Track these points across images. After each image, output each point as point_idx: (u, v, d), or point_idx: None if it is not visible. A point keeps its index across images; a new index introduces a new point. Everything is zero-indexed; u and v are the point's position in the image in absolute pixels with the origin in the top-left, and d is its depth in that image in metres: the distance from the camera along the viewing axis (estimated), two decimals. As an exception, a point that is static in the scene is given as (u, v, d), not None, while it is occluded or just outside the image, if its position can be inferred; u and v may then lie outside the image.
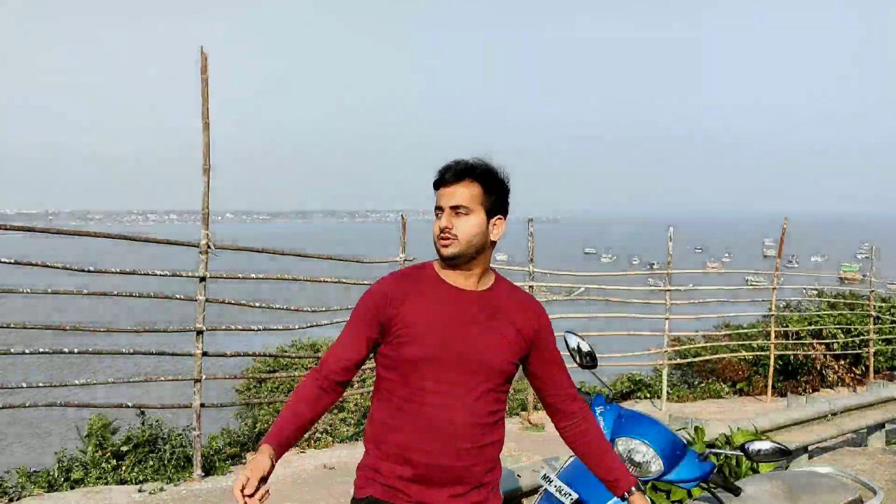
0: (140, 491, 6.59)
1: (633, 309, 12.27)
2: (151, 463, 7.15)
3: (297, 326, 7.96)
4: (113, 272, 6.56)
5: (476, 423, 2.33)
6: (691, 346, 13.53)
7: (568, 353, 2.95)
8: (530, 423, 9.77)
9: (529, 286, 10.06)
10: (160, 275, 6.94)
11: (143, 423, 7.52)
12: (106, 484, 6.90)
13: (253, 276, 7.52)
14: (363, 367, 2.80)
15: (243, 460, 8.41)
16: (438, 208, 2.39)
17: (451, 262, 2.37)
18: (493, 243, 2.43)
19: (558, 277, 11.74)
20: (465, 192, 2.35)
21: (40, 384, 6.28)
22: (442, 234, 2.35)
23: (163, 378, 7.17)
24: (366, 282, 8.74)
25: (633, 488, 2.43)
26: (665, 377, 11.88)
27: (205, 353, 7.14)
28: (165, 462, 7.20)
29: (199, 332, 7.04)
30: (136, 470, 7.07)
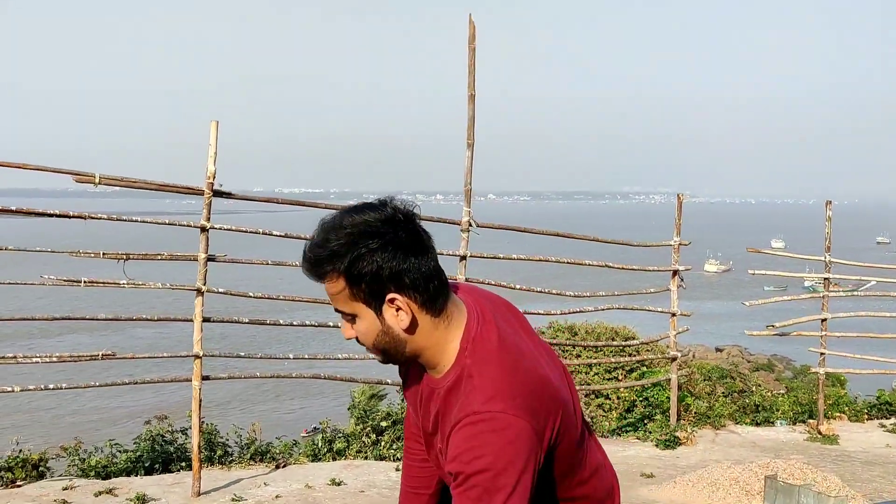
0: (397, 470, 6.49)
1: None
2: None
3: (558, 311, 7.51)
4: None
5: None
6: None
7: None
8: (819, 433, 8.56)
9: (824, 279, 8.79)
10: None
11: (402, 401, 7.47)
12: (365, 458, 6.92)
13: (514, 256, 7.16)
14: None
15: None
16: None
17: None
18: (411, 327, 1.69)
19: (854, 269, 10.24)
20: (333, 293, 1.68)
21: (305, 356, 6.38)
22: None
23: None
24: (635, 267, 8.07)
25: None
26: None
27: (464, 335, 6.90)
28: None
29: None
30: (394, 447, 7.03)
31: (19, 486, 5.64)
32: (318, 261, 1.65)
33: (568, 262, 7.42)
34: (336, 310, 1.72)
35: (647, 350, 9.97)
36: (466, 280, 6.79)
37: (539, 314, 7.46)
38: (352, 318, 1.70)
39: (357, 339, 1.73)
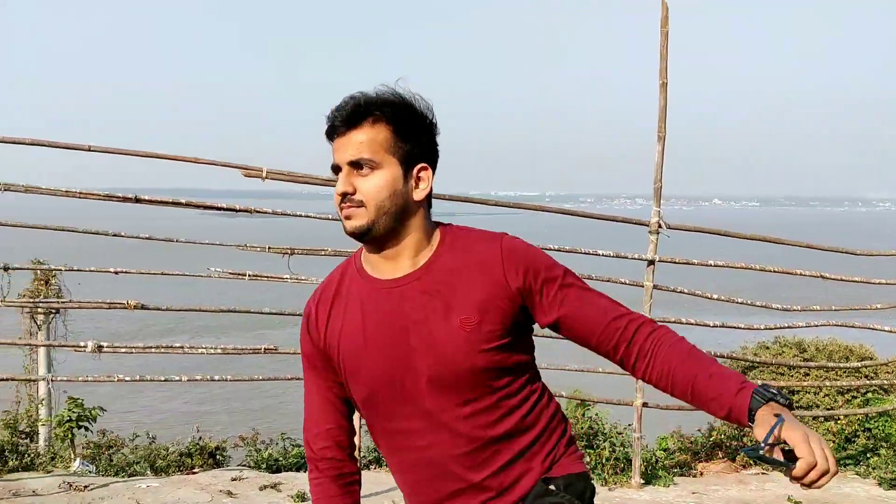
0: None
1: None
2: (588, 459, 6.59)
3: (762, 326, 6.68)
4: (550, 249, 6.07)
5: (476, 450, 1.70)
6: None
7: None
8: None
9: None
10: (602, 255, 6.27)
11: (582, 416, 7.00)
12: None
13: (710, 262, 6.45)
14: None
15: (693, 471, 7.44)
16: (336, 168, 1.70)
17: (363, 240, 1.70)
18: (421, 203, 1.72)
19: None
20: (365, 140, 1.65)
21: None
22: (342, 203, 1.67)
23: (600, 370, 6.52)
24: (856, 278, 7.05)
25: (755, 404, 1.53)
26: None
27: (650, 347, 6.32)
28: (604, 461, 6.59)
29: (646, 323, 6.24)
30: (568, 462, 6.60)
31: (195, 472, 5.81)
32: (373, 103, 1.66)
33: (775, 271, 6.57)
34: (351, 161, 1.67)
35: (888, 372, 8.80)
36: (654, 287, 6.21)
37: (739, 328, 6.67)
38: (372, 167, 1.66)
39: (348, 194, 1.67)
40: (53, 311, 7.54)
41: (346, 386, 1.79)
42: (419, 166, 1.71)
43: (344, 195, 1.67)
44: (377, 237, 1.69)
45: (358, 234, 1.68)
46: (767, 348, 9.91)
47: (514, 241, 1.74)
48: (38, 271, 7.11)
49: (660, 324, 1.76)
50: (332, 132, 1.69)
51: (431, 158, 1.75)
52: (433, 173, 1.75)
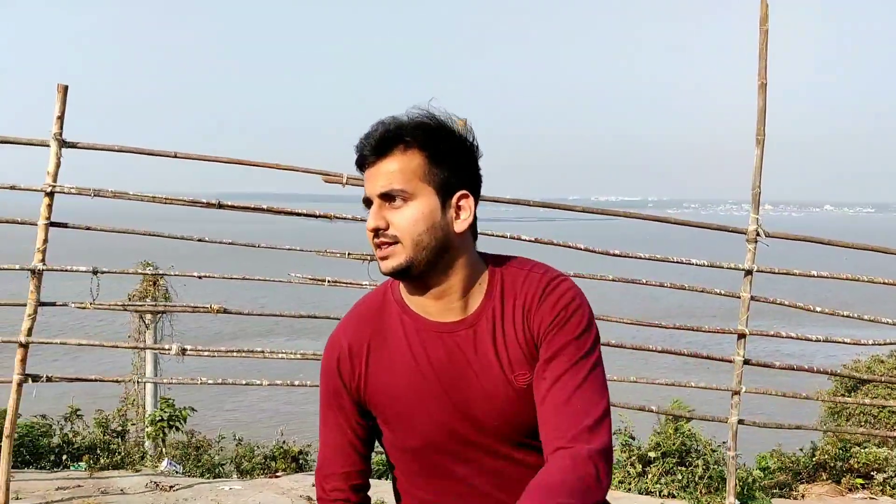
0: (660, 510, 5.81)
1: None
2: (680, 477, 6.31)
3: (870, 341, 6.24)
4: (641, 258, 5.83)
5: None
6: None
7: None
8: None
9: None
10: (696, 264, 5.98)
11: (675, 431, 6.71)
12: (628, 490, 6.29)
13: (813, 272, 6.08)
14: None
15: (793, 493, 7.03)
16: (367, 201, 1.56)
17: (404, 279, 1.57)
18: (464, 235, 1.57)
19: None
20: (396, 169, 1.51)
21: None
22: (375, 240, 1.53)
23: (692, 384, 6.23)
24: (979, 292, 6.51)
25: None
26: None
27: (746, 361, 5.99)
28: (696, 479, 6.30)
29: (742, 336, 5.92)
30: (661, 481, 6.32)
31: (278, 476, 5.85)
32: (401, 128, 1.52)
33: (884, 283, 6.13)
34: (382, 194, 1.52)
35: None
36: (752, 298, 5.89)
37: (845, 342, 6.25)
38: (404, 198, 1.51)
39: (380, 229, 1.52)
40: (160, 312, 7.81)
41: (387, 431, 1.66)
42: (459, 194, 1.56)
43: (376, 231, 1.53)
44: (418, 276, 1.55)
45: (397, 274, 1.55)
46: (882, 362, 9.36)
47: (557, 292, 1.56)
48: (144, 274, 7.37)
49: (594, 464, 1.45)
50: (362, 162, 1.55)
51: (472, 185, 1.59)
52: (476, 201, 1.58)
